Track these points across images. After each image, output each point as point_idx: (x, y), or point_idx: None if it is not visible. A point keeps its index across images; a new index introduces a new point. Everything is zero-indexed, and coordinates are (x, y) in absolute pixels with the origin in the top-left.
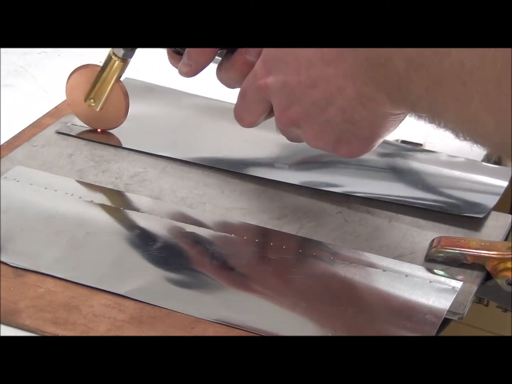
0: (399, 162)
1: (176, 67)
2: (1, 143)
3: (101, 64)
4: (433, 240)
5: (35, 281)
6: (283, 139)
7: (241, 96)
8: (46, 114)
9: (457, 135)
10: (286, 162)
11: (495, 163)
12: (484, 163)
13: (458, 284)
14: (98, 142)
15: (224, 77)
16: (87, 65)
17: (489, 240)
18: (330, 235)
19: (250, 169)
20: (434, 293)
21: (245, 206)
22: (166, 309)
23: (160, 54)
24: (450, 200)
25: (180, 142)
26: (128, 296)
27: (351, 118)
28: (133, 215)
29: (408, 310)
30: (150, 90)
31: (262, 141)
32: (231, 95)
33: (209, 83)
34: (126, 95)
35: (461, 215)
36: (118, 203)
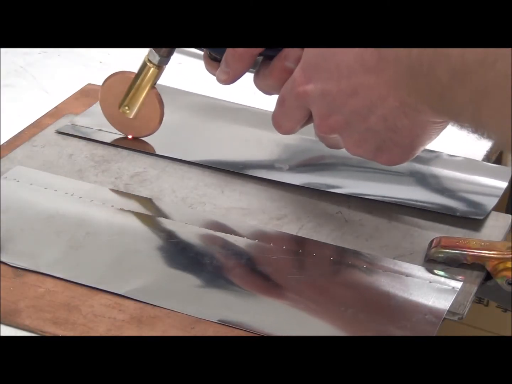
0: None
1: (213, 74)
2: (1, 143)
3: (135, 71)
4: (433, 240)
5: (35, 281)
6: (283, 140)
7: (279, 103)
8: (46, 114)
9: (503, 146)
10: (286, 163)
11: (495, 162)
12: (484, 162)
13: (458, 284)
14: (99, 142)
15: (262, 84)
16: (122, 71)
17: (489, 240)
18: (330, 235)
19: (250, 169)
20: (434, 293)
21: (245, 206)
22: (166, 309)
23: None
24: (449, 202)
25: (180, 142)
26: (128, 296)
27: (392, 126)
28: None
29: (408, 310)
30: None
31: (263, 142)
32: (230, 95)
33: (208, 82)
34: (161, 103)
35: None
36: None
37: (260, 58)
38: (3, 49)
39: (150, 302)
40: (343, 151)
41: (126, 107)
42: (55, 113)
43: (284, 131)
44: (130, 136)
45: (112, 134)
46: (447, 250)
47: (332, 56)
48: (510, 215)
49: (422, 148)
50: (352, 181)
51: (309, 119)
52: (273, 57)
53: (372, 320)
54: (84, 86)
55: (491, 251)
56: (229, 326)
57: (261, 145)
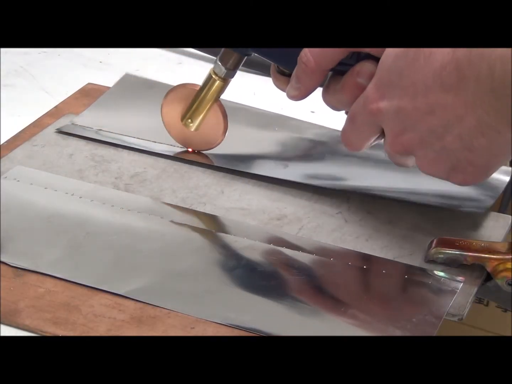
0: None
1: (281, 89)
2: (1, 143)
3: (198, 83)
4: (432, 241)
5: (35, 281)
6: (283, 139)
7: (350, 119)
8: (46, 113)
9: None
10: (286, 161)
11: None
12: None
13: (458, 285)
14: (99, 142)
15: (332, 100)
16: (185, 84)
17: (489, 241)
18: (330, 235)
19: (250, 168)
20: (434, 294)
21: (245, 206)
22: (166, 309)
23: (159, 54)
24: (450, 195)
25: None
26: (128, 296)
27: (469, 146)
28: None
29: (408, 311)
30: (150, 87)
31: (263, 140)
32: (230, 95)
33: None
34: (225, 116)
35: (462, 211)
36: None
37: (330, 73)
38: (3, 49)
39: (150, 302)
40: (343, 151)
41: (189, 120)
42: (55, 113)
43: (354, 148)
44: (190, 150)
45: (112, 134)
46: (447, 251)
47: (408, 73)
48: (510, 216)
49: (497, 168)
50: (354, 173)
51: (379, 136)
52: (344, 72)
53: (372, 320)
54: (84, 86)
55: (491, 252)
56: (229, 326)
57: (261, 144)
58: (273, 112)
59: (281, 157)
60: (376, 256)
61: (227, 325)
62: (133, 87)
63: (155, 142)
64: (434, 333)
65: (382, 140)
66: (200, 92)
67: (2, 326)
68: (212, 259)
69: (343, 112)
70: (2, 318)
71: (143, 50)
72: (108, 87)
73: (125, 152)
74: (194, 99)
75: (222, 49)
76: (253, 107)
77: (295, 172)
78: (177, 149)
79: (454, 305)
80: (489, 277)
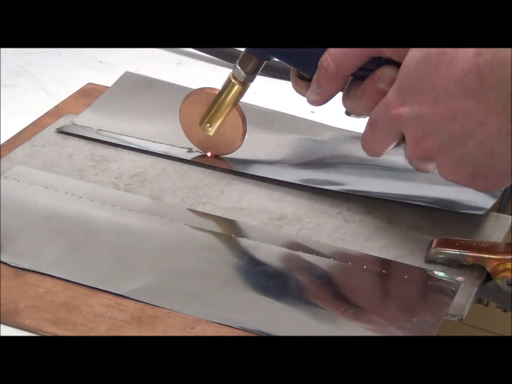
0: (400, 160)
1: (301, 94)
2: (1, 143)
3: (216, 87)
4: (432, 241)
5: (35, 281)
6: (283, 139)
7: (370, 125)
8: (46, 113)
9: None
10: (286, 162)
11: None
12: None
13: (457, 285)
14: (99, 142)
15: (352, 105)
16: (203, 88)
17: (489, 241)
18: (330, 235)
19: (250, 168)
20: (434, 294)
21: (245, 206)
22: (166, 309)
23: (159, 54)
24: (450, 197)
25: (180, 142)
26: (128, 296)
27: (490, 151)
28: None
29: (408, 311)
30: (150, 85)
31: (263, 141)
32: None
33: (208, 83)
34: (243, 120)
35: (462, 213)
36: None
37: (350, 78)
38: (3, 49)
39: (150, 302)
40: (343, 150)
41: (208, 124)
42: (55, 113)
43: (373, 153)
44: (209, 154)
45: (112, 133)
46: (447, 251)
47: (429, 79)
48: (510, 216)
49: None
50: (352, 178)
51: (399, 141)
52: (364, 77)
53: (373, 320)
54: (84, 86)
55: (491, 252)
56: (229, 326)
57: (261, 144)
58: (272, 110)
59: (282, 158)
60: (376, 257)
61: (227, 325)
62: (133, 85)
63: (155, 142)
64: (434, 333)
65: (403, 145)
66: (219, 96)
67: (2, 326)
68: (212, 259)
69: (343, 112)
70: (2, 318)
71: (143, 50)
72: (108, 87)
73: (125, 152)
74: (212, 103)
75: (242, 53)
76: (254, 105)
77: (295, 173)
78: (180, 150)
79: (454, 305)
80: (489, 277)
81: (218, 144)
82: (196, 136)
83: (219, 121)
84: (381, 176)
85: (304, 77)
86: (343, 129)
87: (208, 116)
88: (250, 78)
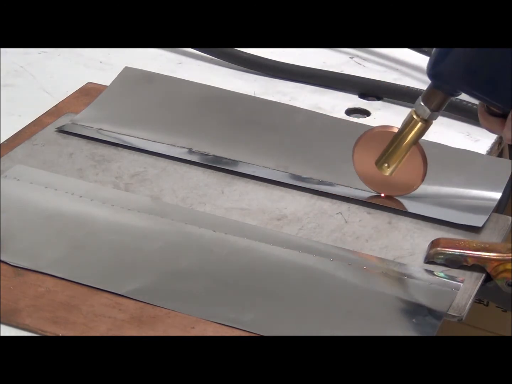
0: None
1: (491, 131)
2: (2, 142)
3: (392, 125)
4: (432, 242)
5: (35, 281)
6: (283, 140)
7: None
8: (46, 112)
9: None
10: (286, 163)
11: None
12: (485, 154)
13: (458, 286)
14: (99, 141)
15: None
16: (377, 127)
17: (489, 242)
18: (330, 236)
19: (250, 169)
20: (434, 294)
21: (245, 206)
22: (166, 309)
23: (159, 54)
24: (447, 208)
25: (180, 141)
26: (128, 296)
27: None
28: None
29: (408, 312)
30: (150, 79)
31: (263, 142)
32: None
33: (207, 83)
34: (424, 160)
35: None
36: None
37: None
38: (3, 49)
39: (150, 302)
40: (345, 155)
41: (386, 164)
42: (55, 112)
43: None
44: (383, 195)
45: (112, 133)
46: (447, 252)
47: None
48: (509, 217)
49: None
50: (351, 182)
51: None
52: None
53: (372, 321)
54: (84, 85)
55: (491, 253)
56: (229, 326)
57: (261, 145)
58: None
59: (282, 159)
60: (377, 257)
61: (227, 325)
62: (133, 80)
63: (155, 142)
64: (434, 333)
65: None
66: (399, 134)
67: (2, 326)
68: (212, 259)
69: (343, 112)
70: (2, 317)
71: (143, 50)
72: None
73: (125, 152)
74: (391, 141)
75: (426, 90)
76: (253, 96)
77: (295, 175)
78: (180, 150)
79: (454, 306)
80: (489, 278)
81: (394, 184)
82: (370, 175)
83: (398, 160)
84: None
85: (494, 113)
86: None
87: (385, 155)
88: (434, 115)
